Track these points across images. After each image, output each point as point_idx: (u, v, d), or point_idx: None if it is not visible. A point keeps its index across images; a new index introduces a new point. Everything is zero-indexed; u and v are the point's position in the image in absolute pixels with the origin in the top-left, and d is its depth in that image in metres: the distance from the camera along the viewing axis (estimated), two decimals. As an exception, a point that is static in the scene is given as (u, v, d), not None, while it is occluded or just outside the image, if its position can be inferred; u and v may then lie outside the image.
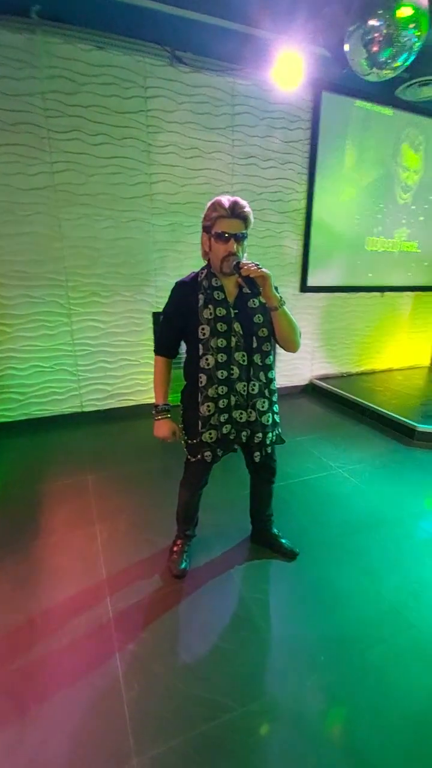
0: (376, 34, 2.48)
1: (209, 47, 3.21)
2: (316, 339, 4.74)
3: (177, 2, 2.86)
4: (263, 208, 3.95)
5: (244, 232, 1.49)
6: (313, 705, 1.36)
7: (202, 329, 1.55)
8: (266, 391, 1.66)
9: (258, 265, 1.46)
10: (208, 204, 1.50)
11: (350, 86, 3.80)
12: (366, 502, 2.56)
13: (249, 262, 1.47)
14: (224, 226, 1.47)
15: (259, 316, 1.58)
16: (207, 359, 1.57)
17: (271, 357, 1.67)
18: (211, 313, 1.54)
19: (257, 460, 1.75)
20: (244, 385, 1.61)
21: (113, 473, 2.85)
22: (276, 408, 1.74)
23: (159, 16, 2.90)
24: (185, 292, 1.59)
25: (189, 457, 1.76)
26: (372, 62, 2.61)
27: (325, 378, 4.83)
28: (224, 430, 1.63)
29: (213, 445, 1.64)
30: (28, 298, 3.29)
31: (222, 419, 1.62)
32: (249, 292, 1.58)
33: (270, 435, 1.72)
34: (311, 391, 4.80)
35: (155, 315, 3.78)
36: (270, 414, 1.69)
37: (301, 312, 4.49)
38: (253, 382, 1.62)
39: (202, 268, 1.61)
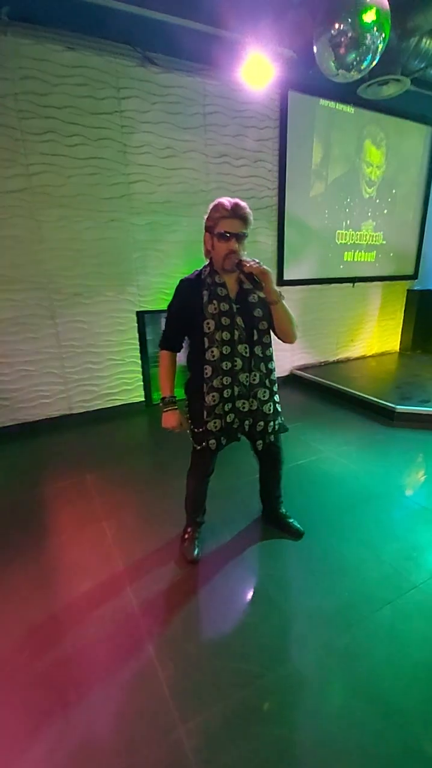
0: (342, 38, 2.61)
1: (179, 48, 3.25)
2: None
3: (145, 3, 2.89)
4: (238, 205, 4.04)
5: (244, 231, 1.59)
6: (336, 664, 1.49)
7: (207, 323, 1.64)
8: (267, 381, 1.77)
9: (258, 262, 1.57)
10: (211, 206, 1.59)
11: (315, 85, 3.94)
12: (357, 480, 2.73)
13: (249, 259, 1.58)
14: (226, 226, 1.55)
15: (259, 310, 1.68)
16: (212, 351, 1.66)
17: (271, 349, 1.79)
18: (215, 308, 1.63)
19: (260, 448, 1.86)
20: (246, 376, 1.72)
21: (110, 471, 2.88)
22: (276, 398, 1.85)
23: (128, 17, 2.93)
24: (190, 288, 1.67)
25: (195, 445, 1.84)
26: (339, 64, 2.75)
27: (305, 368, 5.01)
28: (228, 419, 1.73)
29: (217, 433, 1.74)
30: (11, 302, 3.25)
31: (226, 408, 1.72)
32: (249, 287, 1.67)
33: (272, 424, 1.83)
34: (293, 381, 4.96)
35: (139, 314, 3.82)
36: (271, 403, 1.80)
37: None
38: (254, 373, 1.73)
39: (205, 266, 1.69)
